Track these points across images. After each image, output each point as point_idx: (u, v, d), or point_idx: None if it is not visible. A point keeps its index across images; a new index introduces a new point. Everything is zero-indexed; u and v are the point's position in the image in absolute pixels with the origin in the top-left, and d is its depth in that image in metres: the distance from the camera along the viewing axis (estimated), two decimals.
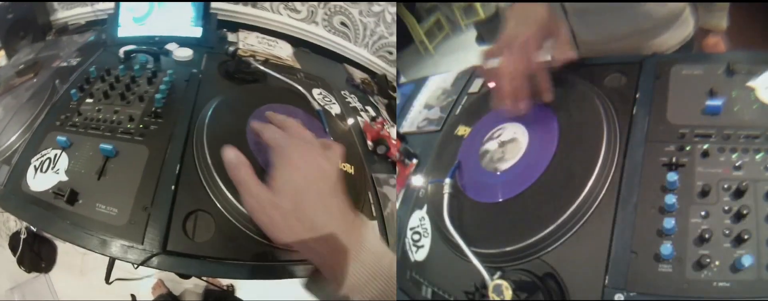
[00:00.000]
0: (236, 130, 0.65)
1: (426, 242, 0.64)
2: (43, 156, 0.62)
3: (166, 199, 0.57)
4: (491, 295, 0.45)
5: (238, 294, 1.68)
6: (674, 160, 0.49)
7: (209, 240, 0.56)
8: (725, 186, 0.45)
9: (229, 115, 0.69)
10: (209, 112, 0.68)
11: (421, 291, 0.60)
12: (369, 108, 1.14)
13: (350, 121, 0.98)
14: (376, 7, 1.42)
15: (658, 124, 0.53)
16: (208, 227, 0.57)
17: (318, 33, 1.42)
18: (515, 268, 0.50)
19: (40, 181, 0.59)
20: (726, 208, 0.44)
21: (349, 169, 0.70)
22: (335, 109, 0.98)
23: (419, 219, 0.67)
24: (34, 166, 0.60)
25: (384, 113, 1.17)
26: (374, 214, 0.74)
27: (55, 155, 0.61)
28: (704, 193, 0.45)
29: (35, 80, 0.84)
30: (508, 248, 0.51)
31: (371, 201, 0.76)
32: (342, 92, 1.14)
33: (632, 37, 0.78)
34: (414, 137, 0.85)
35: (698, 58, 0.59)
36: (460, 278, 0.55)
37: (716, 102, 0.50)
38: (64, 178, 0.59)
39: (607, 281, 0.44)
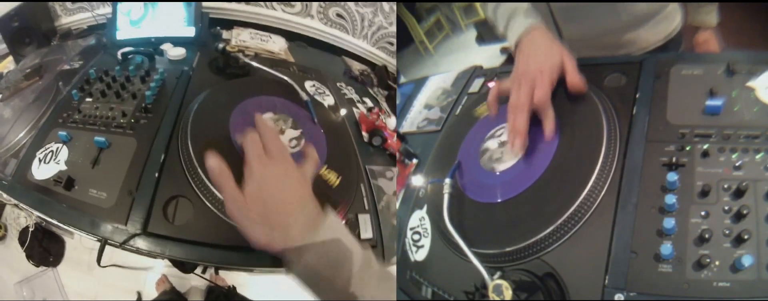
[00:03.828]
0: (219, 123, 0.70)
1: (426, 242, 0.64)
2: (46, 149, 0.68)
3: (149, 185, 0.63)
4: (491, 295, 0.45)
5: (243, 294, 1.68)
6: (674, 160, 0.49)
7: (187, 224, 0.60)
8: (725, 186, 0.45)
9: (213, 109, 0.74)
10: (195, 107, 0.73)
11: (421, 291, 0.60)
12: (367, 99, 1.12)
13: (343, 111, 0.97)
14: None
15: (658, 124, 0.53)
16: (187, 211, 0.61)
17: (314, 26, 1.40)
18: (515, 268, 0.50)
19: (42, 171, 0.65)
20: (726, 208, 0.44)
21: (332, 176, 0.72)
22: (329, 100, 0.98)
23: (419, 219, 0.67)
24: (39, 158, 0.67)
25: (384, 104, 1.17)
26: (367, 207, 0.74)
27: (57, 148, 0.68)
28: (704, 193, 0.45)
29: (40, 82, 0.90)
30: (508, 248, 0.51)
31: (364, 194, 0.76)
32: (337, 84, 1.13)
33: (617, 31, 0.80)
34: (414, 137, 0.85)
35: (698, 58, 0.59)
36: (460, 278, 0.55)
37: (716, 102, 0.50)
38: (64, 167, 0.65)
39: (607, 281, 0.44)
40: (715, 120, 0.50)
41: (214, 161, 0.53)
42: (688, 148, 0.49)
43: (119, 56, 0.93)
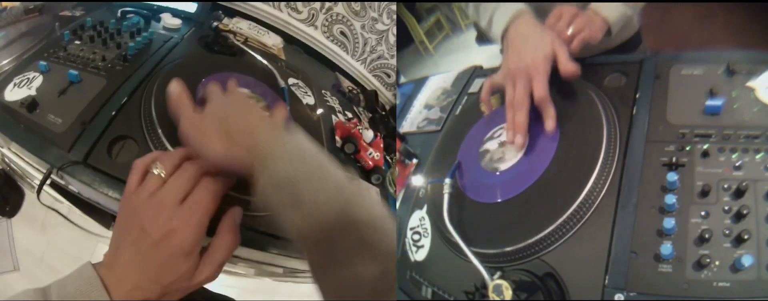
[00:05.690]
0: (190, 83, 0.71)
1: (426, 242, 0.64)
2: (23, 76, 0.73)
3: (103, 121, 0.66)
4: (491, 295, 0.45)
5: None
6: (674, 160, 0.49)
7: (128, 164, 0.59)
8: (725, 186, 0.45)
9: (188, 71, 0.75)
10: (171, 65, 0.77)
11: (421, 291, 0.60)
12: (349, 113, 1.09)
13: (320, 110, 0.94)
14: (381, 26, 1.40)
15: (658, 124, 0.53)
16: (131, 153, 0.63)
17: (316, 37, 1.40)
18: (515, 268, 0.50)
19: (14, 93, 0.70)
20: (726, 208, 0.44)
21: None
22: (309, 100, 0.95)
23: (419, 219, 0.67)
24: (15, 83, 0.71)
25: (365, 124, 1.13)
26: None
27: (33, 76, 0.72)
28: (704, 193, 0.45)
29: (38, 19, 0.96)
30: (508, 248, 0.51)
31: None
32: (322, 91, 1.10)
33: None
34: (414, 137, 0.85)
35: (698, 58, 0.59)
36: (460, 278, 0.55)
37: (716, 102, 0.50)
38: (33, 93, 0.70)
39: (607, 281, 0.44)
40: (715, 120, 0.50)
41: (176, 85, 0.52)
42: (688, 149, 0.49)
43: (118, 14, 0.98)
